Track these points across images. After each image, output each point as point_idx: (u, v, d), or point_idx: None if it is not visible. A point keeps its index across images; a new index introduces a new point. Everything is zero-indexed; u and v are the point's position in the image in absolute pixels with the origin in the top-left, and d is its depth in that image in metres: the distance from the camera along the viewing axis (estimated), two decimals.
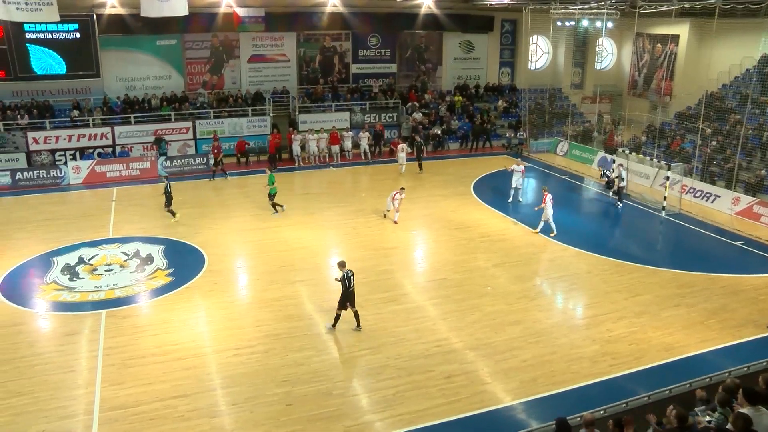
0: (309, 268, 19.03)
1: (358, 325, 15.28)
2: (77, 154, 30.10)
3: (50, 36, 30.47)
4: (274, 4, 33.53)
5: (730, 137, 28.32)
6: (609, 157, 29.89)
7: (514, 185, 25.80)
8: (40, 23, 29.03)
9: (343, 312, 15.15)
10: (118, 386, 12.98)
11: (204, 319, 16.01)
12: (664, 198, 24.75)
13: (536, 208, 22.50)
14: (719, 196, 25.56)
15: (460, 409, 12.34)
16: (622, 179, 25.79)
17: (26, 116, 30.07)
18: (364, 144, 32.72)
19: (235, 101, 33.99)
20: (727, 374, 11.24)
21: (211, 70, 35.05)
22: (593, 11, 33.62)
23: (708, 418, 9.03)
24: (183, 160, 31.09)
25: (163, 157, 30.71)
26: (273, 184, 24.01)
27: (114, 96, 32.71)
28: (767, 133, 27.54)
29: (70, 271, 18.83)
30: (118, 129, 30.96)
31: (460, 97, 38.25)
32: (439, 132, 35.69)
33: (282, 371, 13.57)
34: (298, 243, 21.27)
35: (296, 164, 32.01)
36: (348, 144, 33.15)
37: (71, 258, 19.81)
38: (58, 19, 26.70)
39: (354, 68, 37.91)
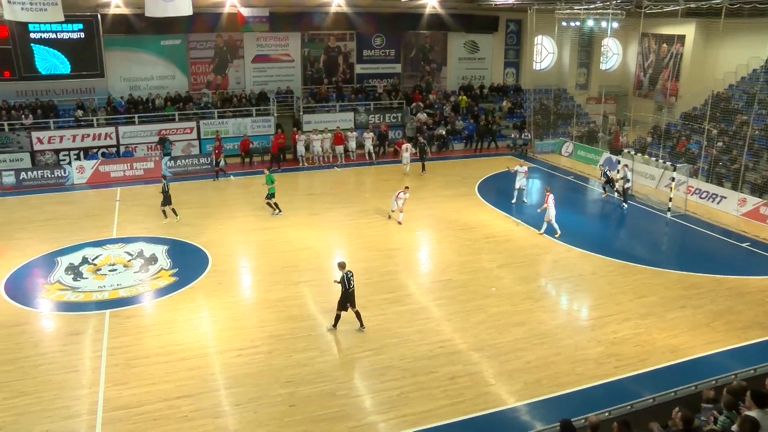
0: (313, 269, 18.99)
1: (362, 324, 15.24)
2: (81, 154, 30.12)
3: (55, 36, 30.51)
4: (279, 4, 33.52)
5: (736, 138, 28.19)
6: (614, 157, 29.77)
7: (517, 186, 25.72)
8: (45, 23, 29.07)
9: (343, 313, 15.12)
10: (121, 386, 12.96)
11: (208, 320, 15.98)
12: (670, 199, 24.63)
13: (539, 210, 22.41)
14: (725, 198, 25.43)
15: (464, 410, 12.29)
16: (628, 180, 25.68)
17: (30, 116, 30.11)
18: (369, 144, 32.68)
19: (239, 101, 33.99)
20: (733, 376, 11.16)
21: (215, 70, 35.09)
22: (598, 11, 33.49)
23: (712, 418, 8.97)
24: (187, 160, 31.08)
25: (167, 157, 30.71)
26: (272, 183, 23.93)
27: (118, 96, 32.76)
28: None
29: (74, 271, 18.83)
30: (122, 129, 30.99)
31: (465, 97, 38.17)
32: (444, 132, 35.63)
33: (286, 372, 13.54)
34: (301, 243, 21.25)
35: (300, 164, 31.99)
36: (352, 144, 33.11)
37: (75, 258, 19.82)
38: (63, 18, 26.75)
39: (358, 68, 37.89)
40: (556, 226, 21.75)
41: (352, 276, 14.99)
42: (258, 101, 34.24)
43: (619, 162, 27.45)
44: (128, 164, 29.87)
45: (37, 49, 30.45)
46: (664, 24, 35.62)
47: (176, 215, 23.20)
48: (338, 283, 15.00)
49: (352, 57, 37.67)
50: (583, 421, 9.95)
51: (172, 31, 32.56)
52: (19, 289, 17.68)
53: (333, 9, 34.38)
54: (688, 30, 35.26)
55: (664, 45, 37.51)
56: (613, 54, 42.31)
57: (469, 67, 40.24)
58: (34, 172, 28.57)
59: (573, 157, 34.31)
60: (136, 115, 31.66)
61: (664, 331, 15.34)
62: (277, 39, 35.62)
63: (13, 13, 25.29)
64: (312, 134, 32.40)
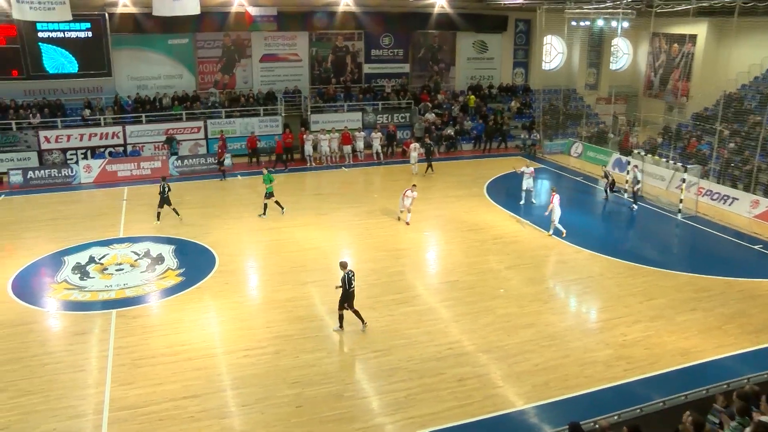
0: (320, 269, 18.90)
1: (363, 322, 15.18)
2: (88, 153, 30.24)
3: (62, 35, 30.61)
4: (287, 4, 33.50)
5: (749, 139, 27.90)
6: (624, 158, 29.54)
7: (524, 188, 25.57)
8: (53, 22, 29.14)
9: (344, 312, 15.05)
10: (127, 386, 12.92)
11: (214, 320, 15.92)
12: (680, 200, 24.41)
13: (546, 213, 22.16)
14: (737, 199, 25.17)
15: (472, 412, 12.18)
16: (638, 181, 25.47)
17: (38, 115, 30.21)
18: (377, 144, 32.61)
19: (246, 101, 33.97)
20: (745, 381, 10.99)
21: (222, 69, 35.09)
22: (609, 11, 33.27)
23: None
24: (194, 160, 31.10)
25: (174, 157, 30.73)
26: (270, 183, 23.79)
27: (125, 95, 32.81)
28: None
29: (81, 271, 18.81)
30: (129, 128, 31.06)
31: (474, 97, 38.00)
32: (452, 133, 35.49)
33: (293, 372, 13.46)
34: (309, 244, 21.17)
35: (308, 164, 31.96)
36: (360, 144, 33.04)
37: (82, 257, 19.81)
38: (71, 18, 26.81)
39: (366, 68, 37.82)
40: (560, 226, 21.59)
41: (353, 276, 14.91)
42: (266, 101, 34.21)
43: (629, 163, 27.20)
44: (135, 163, 29.92)
45: (45, 48, 30.54)
46: (676, 23, 35.36)
47: (178, 215, 23.11)
48: (339, 288, 14.92)
49: (360, 56, 37.60)
50: (592, 424, 9.85)
51: (180, 31, 32.58)
52: (26, 288, 17.68)
53: (341, 8, 34.36)
54: (700, 29, 34.97)
55: (675, 45, 37.25)
56: (623, 54, 42.10)
57: (477, 67, 40.11)
58: (42, 172, 28.64)
59: (582, 157, 34.09)
60: (143, 115, 31.74)
61: (674, 334, 15.16)
62: (285, 38, 35.60)
63: (22, 12, 25.36)
64: (320, 134, 32.35)
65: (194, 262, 19.49)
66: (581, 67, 40.88)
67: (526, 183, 25.51)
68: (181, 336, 15.02)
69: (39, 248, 20.51)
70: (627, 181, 26.19)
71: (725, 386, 10.85)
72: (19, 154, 29.18)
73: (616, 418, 10.02)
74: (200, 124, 32.28)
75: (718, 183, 26.59)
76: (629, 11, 32.55)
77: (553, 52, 41.28)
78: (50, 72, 31.00)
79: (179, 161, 30.64)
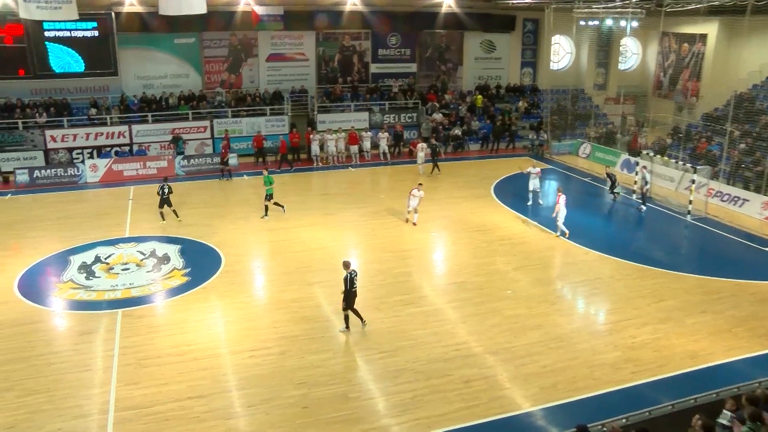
0: (326, 270, 18.78)
1: (362, 320, 15.15)
2: (94, 152, 30.26)
3: (69, 34, 30.69)
4: (293, 3, 33.49)
5: (760, 139, 27.63)
6: (633, 159, 29.33)
7: (531, 188, 25.41)
8: (59, 21, 29.18)
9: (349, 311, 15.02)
10: (133, 386, 12.90)
11: (220, 320, 15.87)
12: (690, 201, 24.19)
13: (553, 215, 21.94)
14: (748, 200, 24.91)
15: (479, 414, 12.10)
16: (647, 182, 25.29)
17: (44, 114, 30.26)
18: (384, 144, 32.51)
19: (253, 100, 33.93)
20: (756, 384, 10.87)
21: (229, 68, 35.06)
22: (618, 10, 33.06)
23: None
24: (200, 159, 31.06)
25: (180, 156, 30.71)
26: (270, 184, 23.71)
27: (132, 94, 32.82)
28: None
29: (87, 270, 18.79)
30: (135, 127, 31.07)
31: (481, 97, 37.86)
32: (459, 133, 35.36)
33: (298, 373, 13.40)
34: (315, 244, 21.10)
35: (315, 164, 31.89)
36: (367, 144, 32.95)
37: (88, 257, 19.79)
38: (77, 17, 26.70)
39: (373, 68, 37.73)
40: (563, 227, 21.43)
41: (356, 276, 14.85)
42: (272, 100, 34.17)
43: (637, 164, 27.00)
44: (141, 163, 29.90)
45: (51, 47, 30.60)
46: (686, 23, 35.13)
47: (177, 216, 23.09)
48: (343, 293, 14.88)
49: (367, 56, 37.51)
50: (600, 426, 9.77)
51: (186, 30, 32.58)
52: (32, 287, 17.68)
53: (348, 8, 34.32)
54: (711, 29, 34.71)
55: (685, 44, 37.01)
56: (632, 54, 41.91)
57: (485, 67, 39.96)
58: (48, 171, 28.68)
59: (591, 158, 33.86)
60: (149, 114, 31.75)
61: (683, 337, 15.01)
62: (292, 38, 35.54)
63: (28, 11, 25.33)
64: (326, 134, 32.28)
65: (200, 261, 19.44)
66: (590, 67, 40.68)
67: (533, 184, 25.37)
68: (186, 336, 14.98)
69: (45, 247, 20.51)
70: (635, 182, 25.99)
71: (735, 390, 10.74)
72: (25, 154, 29.22)
73: (624, 421, 9.98)
74: (206, 123, 32.26)
75: (729, 184, 26.33)
76: (639, 10, 32.29)
77: (562, 51, 41.13)
78: (56, 71, 31.06)
79: (185, 161, 30.61)
